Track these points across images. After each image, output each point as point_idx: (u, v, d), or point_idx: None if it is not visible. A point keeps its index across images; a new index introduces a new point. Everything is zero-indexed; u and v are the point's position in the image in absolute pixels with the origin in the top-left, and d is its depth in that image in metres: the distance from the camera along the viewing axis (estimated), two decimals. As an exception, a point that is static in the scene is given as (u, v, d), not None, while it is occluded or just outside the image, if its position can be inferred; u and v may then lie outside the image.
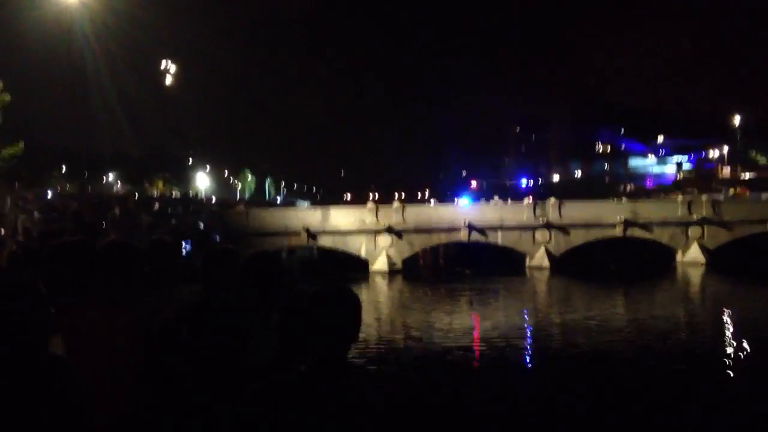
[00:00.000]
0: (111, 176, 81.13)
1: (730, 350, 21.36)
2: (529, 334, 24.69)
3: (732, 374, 18.26)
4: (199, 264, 4.44)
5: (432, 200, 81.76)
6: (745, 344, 21.81)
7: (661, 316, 27.68)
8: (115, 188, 74.22)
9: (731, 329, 25.22)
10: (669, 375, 18.07)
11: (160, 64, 56.24)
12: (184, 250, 25.40)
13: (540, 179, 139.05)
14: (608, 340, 22.42)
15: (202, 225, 40.81)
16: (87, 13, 32.01)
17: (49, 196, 42.53)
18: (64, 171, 67.33)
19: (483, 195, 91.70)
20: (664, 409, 14.99)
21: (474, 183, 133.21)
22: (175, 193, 69.31)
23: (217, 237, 37.31)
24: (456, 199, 77.51)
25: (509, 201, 58.16)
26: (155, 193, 73.21)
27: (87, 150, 62.97)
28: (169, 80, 56.39)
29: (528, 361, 20.68)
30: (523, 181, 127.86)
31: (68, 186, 59.35)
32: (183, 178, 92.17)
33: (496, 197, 67.73)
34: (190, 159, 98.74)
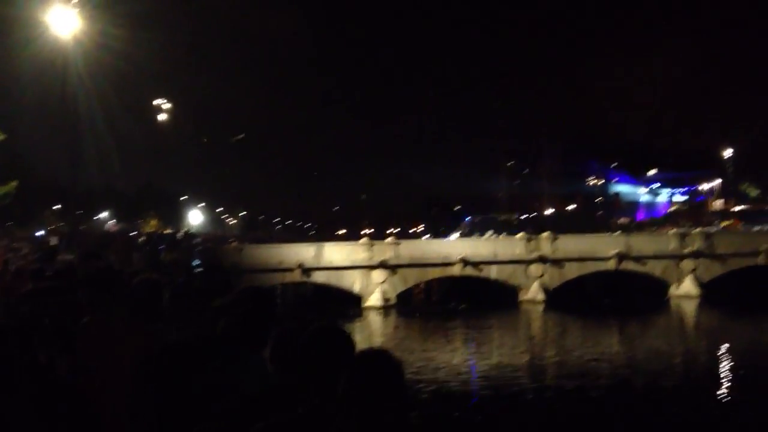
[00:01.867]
0: (104, 214, 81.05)
1: (726, 385, 21.30)
2: (524, 372, 24.53)
3: (728, 409, 18.17)
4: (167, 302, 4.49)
5: (426, 235, 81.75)
6: (741, 378, 21.77)
7: (656, 351, 27.60)
8: (107, 225, 74.09)
9: (727, 363, 25.17)
10: (665, 411, 17.97)
11: (153, 101, 56.56)
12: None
13: (534, 213, 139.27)
14: (604, 376, 22.35)
15: (197, 262, 40.65)
16: (80, 50, 32.18)
17: (41, 233, 42.45)
18: (56, 209, 67.26)
19: (477, 229, 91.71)
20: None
21: (468, 217, 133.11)
22: (167, 230, 69.24)
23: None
24: (450, 233, 77.56)
25: (503, 235, 58.27)
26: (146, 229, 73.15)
27: (79, 188, 63.03)
28: (162, 117, 56.66)
29: (524, 398, 20.52)
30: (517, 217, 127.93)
31: (61, 224, 59.21)
32: (176, 215, 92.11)
33: (490, 231, 67.89)
34: (184, 196, 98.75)
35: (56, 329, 4.28)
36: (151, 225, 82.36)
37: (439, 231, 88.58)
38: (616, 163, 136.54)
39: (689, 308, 40.86)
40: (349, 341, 3.14)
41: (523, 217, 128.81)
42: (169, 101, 57.78)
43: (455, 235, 68.04)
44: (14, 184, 30.11)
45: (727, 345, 28.43)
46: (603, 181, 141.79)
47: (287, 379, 3.60)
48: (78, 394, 3.24)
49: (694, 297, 42.92)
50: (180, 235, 56.26)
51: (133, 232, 55.18)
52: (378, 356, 2.93)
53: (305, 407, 2.91)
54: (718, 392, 20.19)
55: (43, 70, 33.99)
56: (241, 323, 4.09)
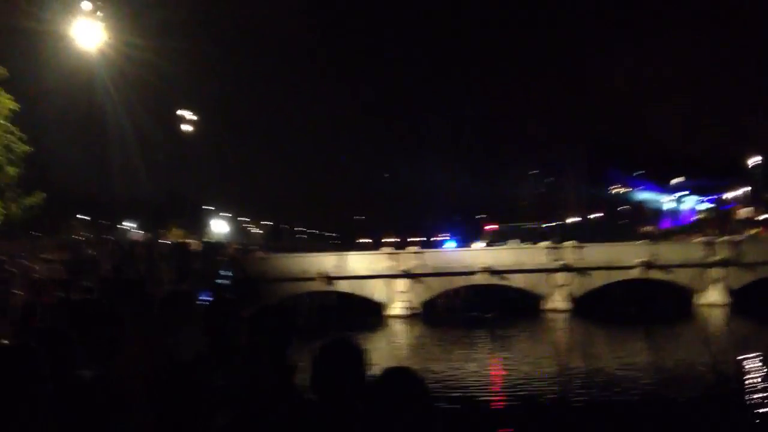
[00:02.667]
0: (129, 223, 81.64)
1: (754, 395, 21.01)
2: (549, 382, 24.32)
3: (757, 419, 17.94)
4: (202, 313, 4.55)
5: (450, 243, 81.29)
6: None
7: (683, 360, 27.32)
8: (130, 234, 74.61)
9: (755, 373, 24.85)
10: (692, 422, 17.76)
11: (177, 111, 56.99)
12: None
13: (559, 221, 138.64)
14: (629, 387, 22.09)
15: (227, 273, 40.80)
16: (105, 62, 32.54)
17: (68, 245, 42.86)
18: (82, 218, 67.88)
19: (501, 238, 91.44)
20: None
21: (494, 226, 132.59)
22: (192, 241, 69.74)
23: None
24: (472, 243, 77.25)
25: (527, 243, 58.09)
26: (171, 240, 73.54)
27: (105, 197, 63.53)
28: (186, 127, 57.07)
29: (548, 409, 20.37)
30: (540, 225, 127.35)
31: (87, 234, 59.81)
32: (200, 224, 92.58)
33: (517, 240, 67.65)
34: (208, 205, 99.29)
35: (86, 340, 4.32)
36: (175, 234, 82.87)
37: (464, 240, 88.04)
38: (641, 171, 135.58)
39: (716, 317, 40.41)
40: (360, 354, 3.14)
41: (545, 226, 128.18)
42: (193, 111, 58.21)
43: (481, 244, 67.79)
44: (41, 195, 30.38)
45: (755, 354, 28.08)
46: (628, 189, 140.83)
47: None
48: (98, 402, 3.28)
49: (720, 305, 42.47)
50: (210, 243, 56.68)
51: (157, 241, 55.51)
52: (403, 374, 2.93)
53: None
54: (746, 402, 19.93)
55: (69, 83, 34.38)
56: (264, 336, 4.10)
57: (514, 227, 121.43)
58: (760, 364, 26.29)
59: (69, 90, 36.38)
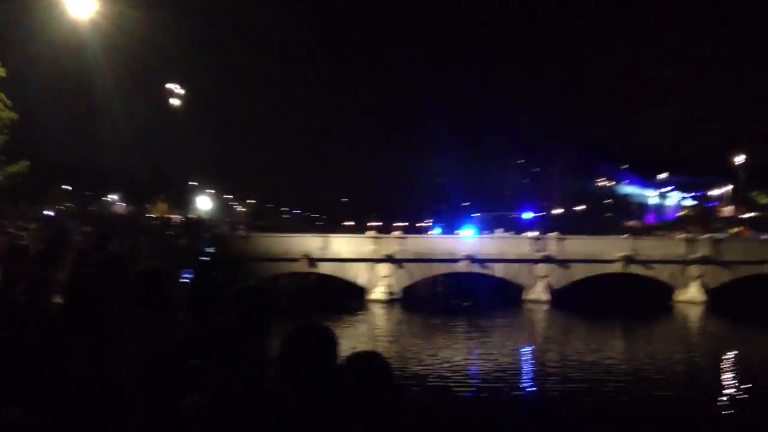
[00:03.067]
0: (113, 196, 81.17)
1: (726, 392, 21.27)
2: (524, 372, 24.56)
3: (728, 416, 18.16)
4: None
5: (435, 230, 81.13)
6: (742, 386, 21.74)
7: (658, 355, 27.56)
8: (114, 207, 74.21)
9: (729, 372, 25.15)
10: (663, 416, 17.97)
11: (166, 86, 56.65)
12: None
13: (543, 212, 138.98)
14: (603, 379, 22.27)
15: (210, 250, 40.61)
16: (97, 32, 32.24)
17: (50, 213, 42.63)
18: (66, 189, 67.38)
19: (486, 227, 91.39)
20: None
21: (478, 214, 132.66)
22: (175, 216, 69.40)
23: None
24: (457, 230, 77.15)
25: (511, 234, 58.30)
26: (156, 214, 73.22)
27: (90, 168, 62.99)
28: (175, 102, 56.74)
29: (520, 399, 20.55)
30: (527, 214, 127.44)
31: (70, 204, 59.41)
32: (184, 200, 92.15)
33: (501, 229, 67.72)
34: (193, 181, 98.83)
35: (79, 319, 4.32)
36: (160, 209, 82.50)
37: (450, 227, 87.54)
38: (626, 165, 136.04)
39: (694, 314, 40.78)
40: (331, 340, 3.15)
41: (529, 216, 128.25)
42: (182, 86, 57.86)
43: (468, 231, 67.77)
44: (25, 163, 30.20)
45: (730, 352, 28.42)
46: (613, 182, 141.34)
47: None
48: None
49: (699, 303, 42.83)
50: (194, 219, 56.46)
51: (141, 215, 55.25)
52: (368, 359, 2.96)
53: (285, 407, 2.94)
54: (718, 399, 20.17)
55: (59, 51, 34.06)
56: (243, 318, 4.08)
57: (501, 216, 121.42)
58: (730, 361, 26.62)
59: (58, 59, 36.04)
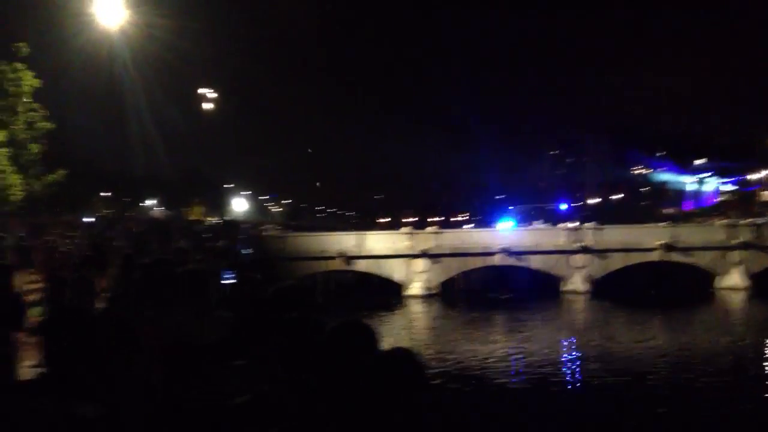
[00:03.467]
0: (150, 201, 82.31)
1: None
2: (565, 365, 24.33)
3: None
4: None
5: (467, 225, 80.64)
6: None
7: (703, 344, 27.22)
8: (152, 212, 75.18)
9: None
10: (710, 405, 17.75)
11: (198, 90, 57.22)
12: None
13: (579, 202, 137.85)
14: (646, 370, 22.01)
15: (246, 251, 40.91)
16: (126, 41, 32.67)
17: (90, 220, 43.29)
18: (104, 196, 68.53)
19: (524, 219, 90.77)
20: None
21: (514, 207, 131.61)
22: (212, 219, 70.14)
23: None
24: (495, 222, 76.71)
25: (547, 225, 57.99)
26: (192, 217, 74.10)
27: (126, 175, 63.88)
28: (207, 106, 57.28)
29: (563, 392, 20.40)
30: (563, 206, 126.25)
31: (109, 211, 60.31)
32: (220, 202, 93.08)
33: (540, 221, 67.32)
34: (229, 184, 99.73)
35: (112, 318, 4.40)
36: (196, 212, 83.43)
37: (488, 220, 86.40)
38: (662, 152, 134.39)
39: (736, 300, 40.16)
40: (372, 337, 3.13)
41: (565, 207, 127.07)
42: (214, 90, 58.44)
43: (507, 224, 67.35)
44: (63, 172, 30.64)
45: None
46: (649, 170, 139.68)
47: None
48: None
49: (741, 289, 42.19)
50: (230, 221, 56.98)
51: (179, 218, 55.98)
52: (398, 355, 2.92)
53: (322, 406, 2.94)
54: (764, 386, 19.89)
55: (91, 61, 34.52)
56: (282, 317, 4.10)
57: (538, 207, 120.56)
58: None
59: (90, 68, 36.55)
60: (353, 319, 3.21)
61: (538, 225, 61.54)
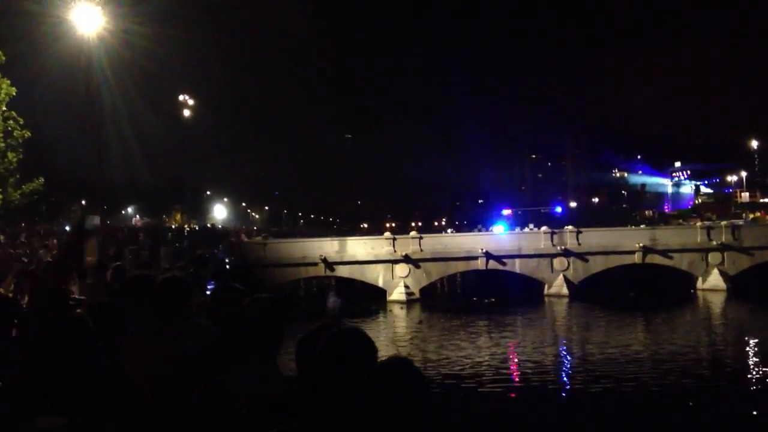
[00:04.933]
0: (129, 209, 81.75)
1: (754, 379, 21.09)
2: (547, 369, 24.30)
3: (757, 404, 17.99)
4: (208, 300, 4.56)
5: (449, 229, 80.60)
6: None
7: (684, 345, 27.30)
8: (133, 221, 74.64)
9: (755, 358, 24.94)
10: (692, 405, 17.82)
11: (176, 97, 56.90)
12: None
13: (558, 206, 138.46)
14: (628, 372, 22.06)
15: (227, 259, 40.75)
16: (104, 48, 32.42)
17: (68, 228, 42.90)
18: (83, 204, 67.92)
19: (516, 223, 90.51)
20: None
21: (509, 211, 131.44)
22: (192, 226, 69.72)
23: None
24: (478, 227, 76.59)
25: (533, 228, 58.06)
26: (173, 225, 73.59)
27: (104, 183, 63.38)
28: (185, 113, 56.98)
29: (545, 395, 20.36)
30: (558, 209, 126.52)
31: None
32: (201, 209, 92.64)
33: (531, 225, 67.30)
34: (207, 191, 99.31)
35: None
36: (176, 220, 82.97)
37: (475, 226, 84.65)
38: (640, 156, 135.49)
39: (716, 301, 40.42)
40: (370, 346, 3.07)
41: (560, 210, 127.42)
42: (192, 97, 58.15)
43: (500, 229, 67.02)
44: (41, 180, 30.35)
45: (755, 339, 28.19)
46: (627, 173, 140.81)
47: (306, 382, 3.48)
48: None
49: (721, 290, 42.48)
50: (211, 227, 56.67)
51: (159, 226, 55.60)
52: (401, 366, 2.87)
53: (321, 412, 2.89)
54: (745, 386, 19.99)
55: (68, 68, 34.26)
56: (254, 330, 4.01)
57: (532, 211, 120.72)
58: (755, 348, 26.42)
59: (67, 75, 36.29)
60: (351, 327, 3.14)
61: (526, 229, 61.69)
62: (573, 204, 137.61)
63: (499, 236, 50.93)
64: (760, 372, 22.31)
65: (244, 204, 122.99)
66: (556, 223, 60.32)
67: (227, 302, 4.51)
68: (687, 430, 15.79)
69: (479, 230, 66.48)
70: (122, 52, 35.53)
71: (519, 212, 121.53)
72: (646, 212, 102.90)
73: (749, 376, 21.84)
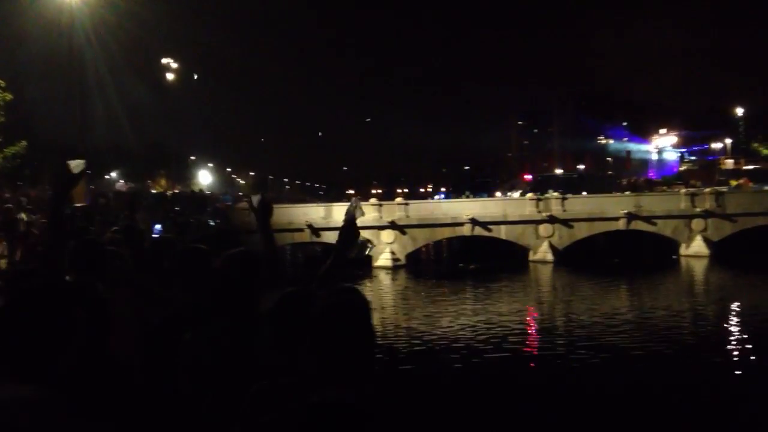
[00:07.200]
0: (113, 174, 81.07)
1: (734, 344, 21.37)
2: (530, 333, 24.56)
3: (738, 368, 18.25)
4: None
5: (437, 195, 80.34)
6: (749, 337, 21.85)
7: (666, 309, 27.60)
8: (117, 185, 74.14)
9: (735, 322, 25.27)
10: (674, 369, 18.05)
11: (160, 61, 56.29)
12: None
13: (546, 173, 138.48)
14: (609, 336, 22.30)
15: (211, 222, 40.64)
16: (87, 10, 31.99)
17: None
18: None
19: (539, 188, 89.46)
20: (669, 405, 14.97)
21: (529, 176, 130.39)
22: (176, 191, 69.40)
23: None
24: (465, 193, 76.29)
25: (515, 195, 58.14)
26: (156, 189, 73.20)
27: (88, 147, 62.82)
28: (170, 77, 56.41)
29: (535, 357, 20.61)
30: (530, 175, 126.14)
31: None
32: (185, 175, 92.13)
33: (517, 192, 67.07)
34: (193, 156, 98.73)
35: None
36: (161, 185, 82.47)
37: (462, 192, 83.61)
38: (625, 123, 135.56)
39: (699, 267, 40.80)
40: (365, 305, 2.98)
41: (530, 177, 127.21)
42: (177, 60, 57.52)
43: (516, 194, 66.26)
44: (23, 144, 30.09)
45: (736, 304, 28.53)
46: (613, 140, 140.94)
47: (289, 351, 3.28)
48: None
49: (704, 256, 42.86)
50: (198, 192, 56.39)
51: (143, 191, 55.23)
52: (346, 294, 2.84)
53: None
54: (725, 351, 20.24)
55: (50, 30, 33.83)
56: (227, 291, 3.89)
57: (551, 176, 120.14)
58: (736, 313, 26.78)
59: (49, 37, 35.82)
60: (347, 287, 3.03)
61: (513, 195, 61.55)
62: (559, 171, 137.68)
63: (486, 202, 50.99)
64: (740, 336, 22.61)
65: (229, 169, 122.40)
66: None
67: (198, 263, 4.44)
68: (665, 391, 15.98)
69: (467, 196, 66.49)
70: (105, 14, 35.08)
71: (540, 177, 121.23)
72: (631, 179, 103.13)
73: (729, 338, 22.15)
